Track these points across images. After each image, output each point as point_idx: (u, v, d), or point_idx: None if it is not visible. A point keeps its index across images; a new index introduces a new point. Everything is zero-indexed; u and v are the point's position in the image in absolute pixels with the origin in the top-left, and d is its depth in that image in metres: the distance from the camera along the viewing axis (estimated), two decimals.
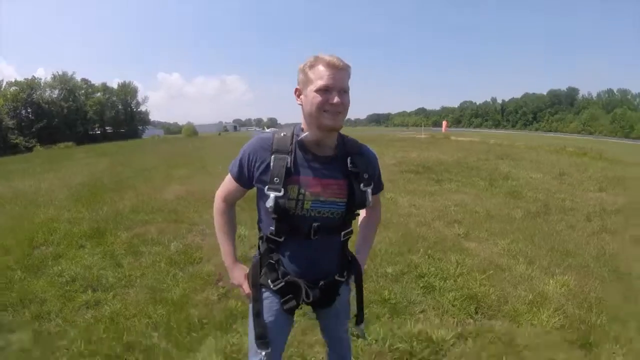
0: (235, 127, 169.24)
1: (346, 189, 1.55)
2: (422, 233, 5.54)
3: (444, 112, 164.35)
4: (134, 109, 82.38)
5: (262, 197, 1.53)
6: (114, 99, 77.96)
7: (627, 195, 8.62)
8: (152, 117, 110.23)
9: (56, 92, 66.12)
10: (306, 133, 1.53)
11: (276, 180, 1.46)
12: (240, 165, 1.58)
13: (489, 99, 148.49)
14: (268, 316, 1.62)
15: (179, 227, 5.90)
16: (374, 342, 2.88)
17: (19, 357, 2.84)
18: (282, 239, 1.55)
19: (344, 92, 1.45)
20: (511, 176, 10.79)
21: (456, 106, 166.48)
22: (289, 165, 1.48)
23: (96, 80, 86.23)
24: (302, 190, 1.49)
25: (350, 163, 1.56)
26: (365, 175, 1.57)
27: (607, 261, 4.65)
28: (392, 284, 3.82)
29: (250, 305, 1.65)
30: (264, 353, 1.58)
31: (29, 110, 60.29)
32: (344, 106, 1.45)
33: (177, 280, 4.04)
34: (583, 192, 9.09)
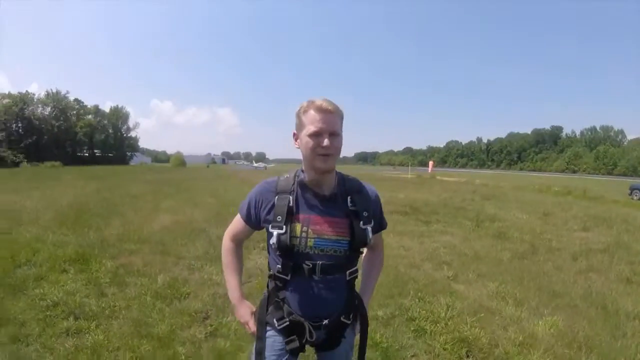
0: (223, 160, 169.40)
1: (348, 227, 1.59)
2: (412, 275, 5.56)
3: (431, 152, 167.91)
4: (124, 134, 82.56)
5: (269, 236, 1.59)
6: (105, 122, 78.47)
7: (610, 235, 8.79)
8: (141, 143, 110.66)
9: (48, 109, 66.15)
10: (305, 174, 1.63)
11: (279, 218, 1.54)
12: (249, 207, 1.68)
13: (474, 139, 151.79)
14: (270, 355, 1.64)
15: (166, 260, 5.83)
16: None
17: None
18: (288, 277, 1.59)
19: (335, 135, 1.52)
20: (497, 217, 10.97)
21: (442, 146, 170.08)
22: (291, 204, 1.57)
23: (89, 102, 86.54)
24: (305, 228, 1.56)
25: (350, 202, 1.62)
26: (365, 214, 1.61)
27: (594, 300, 4.72)
28: (383, 328, 3.81)
29: (254, 344, 1.66)
30: None
31: (19, 125, 60.15)
32: (334, 149, 1.52)
33: (163, 314, 3.95)
34: (568, 231, 9.27)
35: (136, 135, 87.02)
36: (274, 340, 1.66)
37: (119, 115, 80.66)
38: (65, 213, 9.15)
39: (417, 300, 4.59)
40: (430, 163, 48.61)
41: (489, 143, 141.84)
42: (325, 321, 1.60)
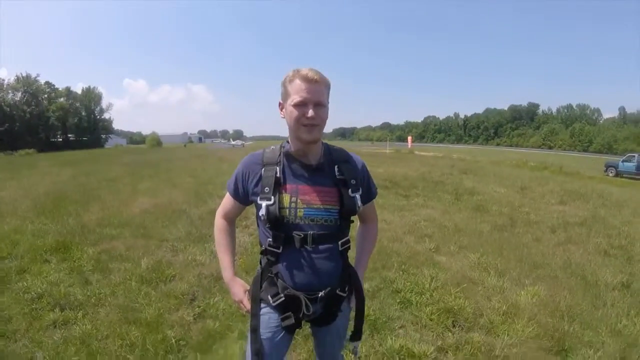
0: (200, 139, 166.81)
1: (337, 196, 1.56)
2: (395, 248, 5.58)
3: (408, 127, 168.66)
4: (98, 116, 79.15)
5: (257, 208, 1.56)
6: (78, 104, 74.72)
7: (587, 209, 9.02)
8: (116, 125, 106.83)
9: (19, 95, 62.51)
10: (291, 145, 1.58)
11: (266, 189, 1.51)
12: (236, 182, 1.64)
13: (451, 114, 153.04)
14: (265, 332, 1.60)
15: (148, 243, 5.70)
16: None
17: None
18: (280, 250, 1.55)
19: (320, 105, 1.48)
20: (476, 191, 11.11)
21: (420, 121, 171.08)
22: (277, 174, 1.53)
23: (60, 84, 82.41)
24: (294, 199, 1.52)
25: (338, 171, 1.59)
26: (353, 182, 1.59)
27: (574, 271, 4.84)
28: (370, 300, 3.81)
29: (249, 321, 1.62)
30: None
31: None
32: (320, 119, 1.48)
33: (150, 299, 3.86)
34: (545, 205, 9.47)
35: (110, 117, 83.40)
36: (269, 317, 1.62)
37: (91, 97, 76.96)
38: (43, 202, 8.80)
39: (401, 272, 4.62)
40: (409, 138, 48.45)
41: (466, 118, 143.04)
42: (321, 293, 1.57)
